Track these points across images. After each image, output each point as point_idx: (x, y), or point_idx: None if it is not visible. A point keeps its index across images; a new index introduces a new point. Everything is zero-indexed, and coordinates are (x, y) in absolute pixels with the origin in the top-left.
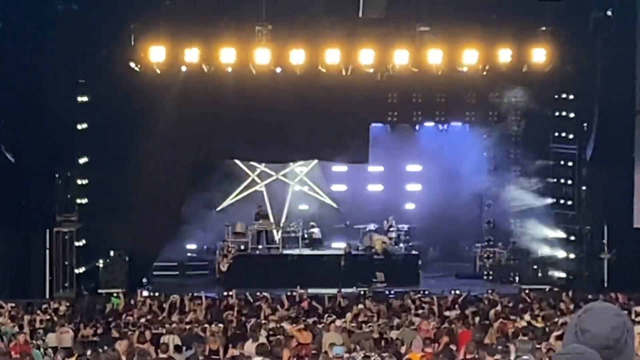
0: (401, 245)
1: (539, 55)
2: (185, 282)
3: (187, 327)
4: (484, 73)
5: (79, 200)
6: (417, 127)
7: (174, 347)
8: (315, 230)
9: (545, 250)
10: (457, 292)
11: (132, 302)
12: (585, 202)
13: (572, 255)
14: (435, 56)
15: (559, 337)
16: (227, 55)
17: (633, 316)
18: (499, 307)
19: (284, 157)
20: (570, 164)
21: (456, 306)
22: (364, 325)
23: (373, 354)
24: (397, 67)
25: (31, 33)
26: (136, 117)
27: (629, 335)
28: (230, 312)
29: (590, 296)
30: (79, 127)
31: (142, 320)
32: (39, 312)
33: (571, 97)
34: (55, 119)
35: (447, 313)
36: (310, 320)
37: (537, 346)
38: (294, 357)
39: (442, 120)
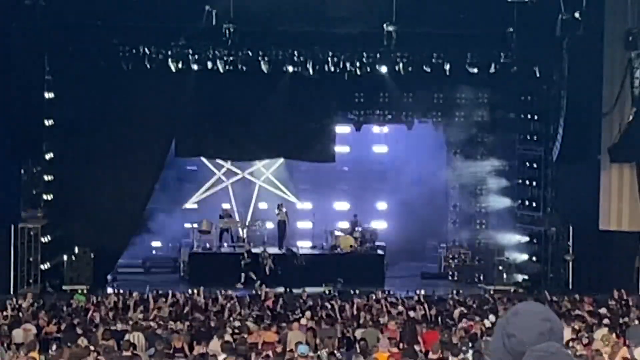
0: (367, 245)
1: (506, 56)
2: (150, 280)
3: (152, 324)
4: (451, 73)
5: (44, 196)
6: (383, 126)
7: (137, 344)
8: (283, 211)
9: (510, 252)
10: (422, 292)
11: (97, 299)
12: (551, 204)
13: (537, 257)
14: (402, 56)
15: None
16: (194, 54)
17: (597, 319)
18: (463, 308)
19: (250, 155)
20: (536, 165)
21: (421, 306)
22: (328, 324)
23: (337, 353)
24: (364, 67)
25: None
26: (103, 113)
27: (555, 340)
28: (195, 310)
29: (554, 297)
30: (46, 122)
31: (107, 317)
32: (3, 308)
33: (538, 98)
34: (21, 114)
35: (411, 313)
36: (274, 319)
37: None
38: (259, 355)
39: (408, 120)
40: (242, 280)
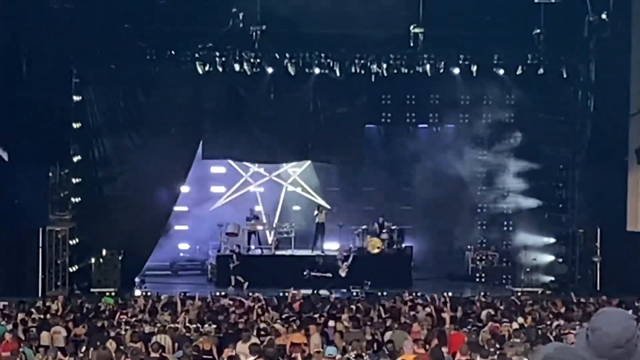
0: (394, 246)
1: (533, 57)
2: (177, 282)
3: (179, 326)
4: (478, 75)
5: (72, 199)
6: (410, 129)
7: (165, 346)
8: (322, 214)
9: (537, 253)
10: (449, 294)
11: (125, 301)
12: (578, 205)
13: (564, 259)
14: (428, 58)
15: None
16: (221, 55)
17: None
18: (491, 310)
19: (278, 157)
20: (563, 166)
21: (448, 308)
22: (355, 326)
23: (365, 355)
24: (391, 69)
25: (26, 31)
26: (130, 116)
27: (636, 340)
28: (223, 312)
29: (582, 299)
30: (74, 125)
31: (134, 319)
32: (31, 310)
33: (565, 99)
34: (49, 117)
35: (438, 315)
36: (302, 321)
37: (531, 348)
38: (287, 357)
39: (435, 122)
40: (232, 283)
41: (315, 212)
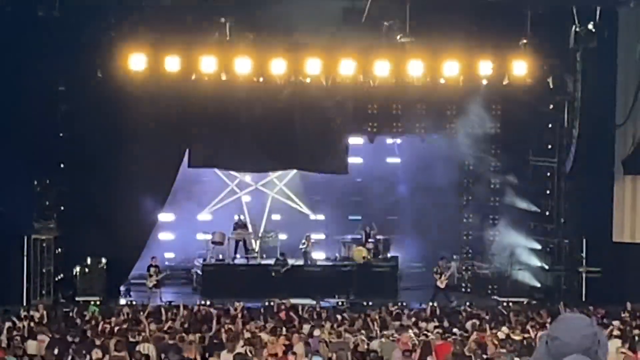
0: (380, 256)
1: (520, 67)
2: (163, 291)
3: (164, 335)
4: (465, 85)
5: (57, 207)
6: (397, 138)
7: (150, 355)
8: (310, 242)
9: (523, 263)
10: (435, 304)
11: (110, 310)
12: (565, 216)
13: (550, 269)
14: (415, 67)
15: None
16: (208, 64)
17: (615, 331)
18: (476, 320)
19: (263, 166)
20: (549, 176)
21: (434, 318)
22: (341, 336)
23: None
24: (378, 78)
25: (12, 39)
26: (116, 124)
27: (599, 347)
28: (207, 321)
29: (567, 310)
30: (60, 134)
31: (119, 328)
32: (15, 319)
33: (551, 109)
34: (35, 125)
35: (424, 325)
36: (288, 331)
37: (516, 359)
38: None
39: (422, 131)
40: (159, 295)
41: (303, 242)
